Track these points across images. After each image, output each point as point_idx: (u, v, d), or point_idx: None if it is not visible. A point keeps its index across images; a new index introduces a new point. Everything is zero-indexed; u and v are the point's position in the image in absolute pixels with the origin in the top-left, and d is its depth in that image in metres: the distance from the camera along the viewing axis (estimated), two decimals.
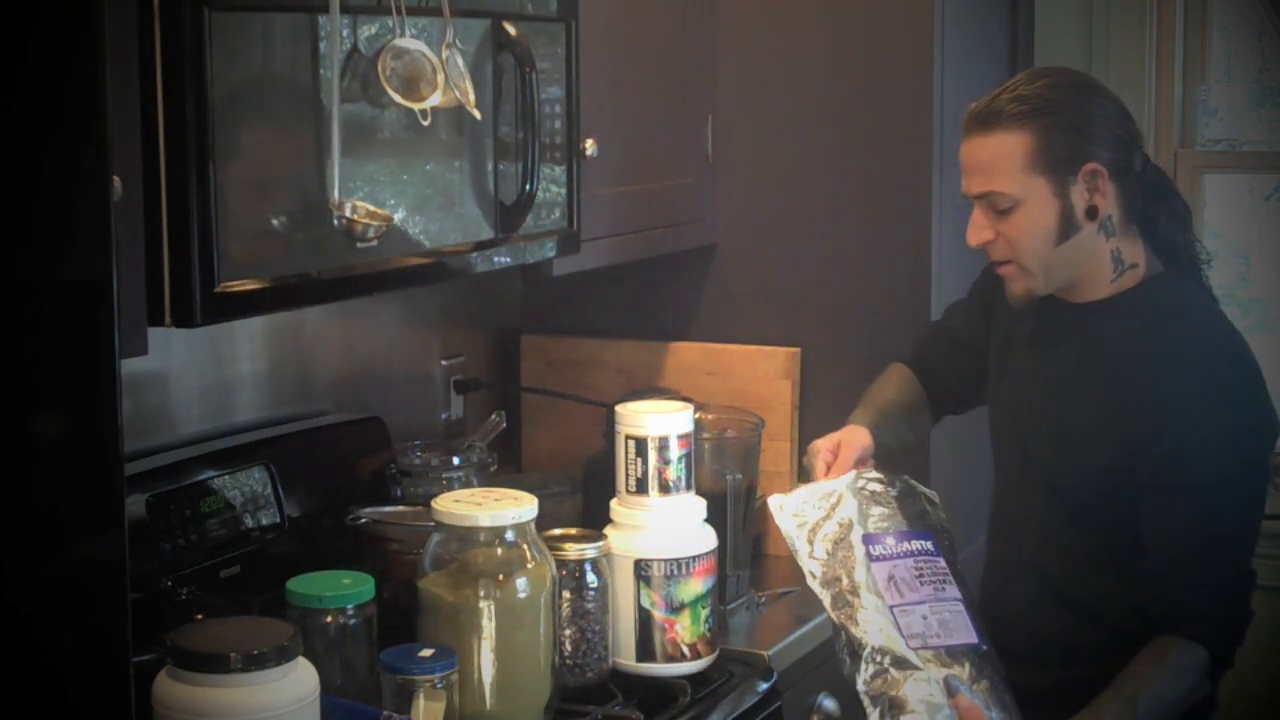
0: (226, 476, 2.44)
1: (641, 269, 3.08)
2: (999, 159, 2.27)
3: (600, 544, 2.41)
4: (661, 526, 2.45)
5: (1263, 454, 2.30)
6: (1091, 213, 2.28)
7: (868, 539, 2.32)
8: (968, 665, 2.25)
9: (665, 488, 2.46)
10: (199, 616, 2.19)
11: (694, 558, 2.45)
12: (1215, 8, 3.68)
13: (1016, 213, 2.28)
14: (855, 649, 2.24)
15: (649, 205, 2.94)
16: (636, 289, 3.21)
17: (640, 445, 2.46)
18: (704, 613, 2.46)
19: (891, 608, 2.27)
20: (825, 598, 2.29)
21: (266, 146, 2.03)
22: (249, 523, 2.45)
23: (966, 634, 2.28)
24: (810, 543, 2.33)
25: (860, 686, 2.22)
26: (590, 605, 2.39)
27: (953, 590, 2.32)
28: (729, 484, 2.74)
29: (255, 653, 1.87)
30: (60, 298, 1.37)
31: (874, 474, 2.42)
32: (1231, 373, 2.30)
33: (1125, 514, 2.29)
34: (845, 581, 2.29)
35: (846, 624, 2.26)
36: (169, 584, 2.27)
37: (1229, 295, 3.71)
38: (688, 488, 2.48)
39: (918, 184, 3.03)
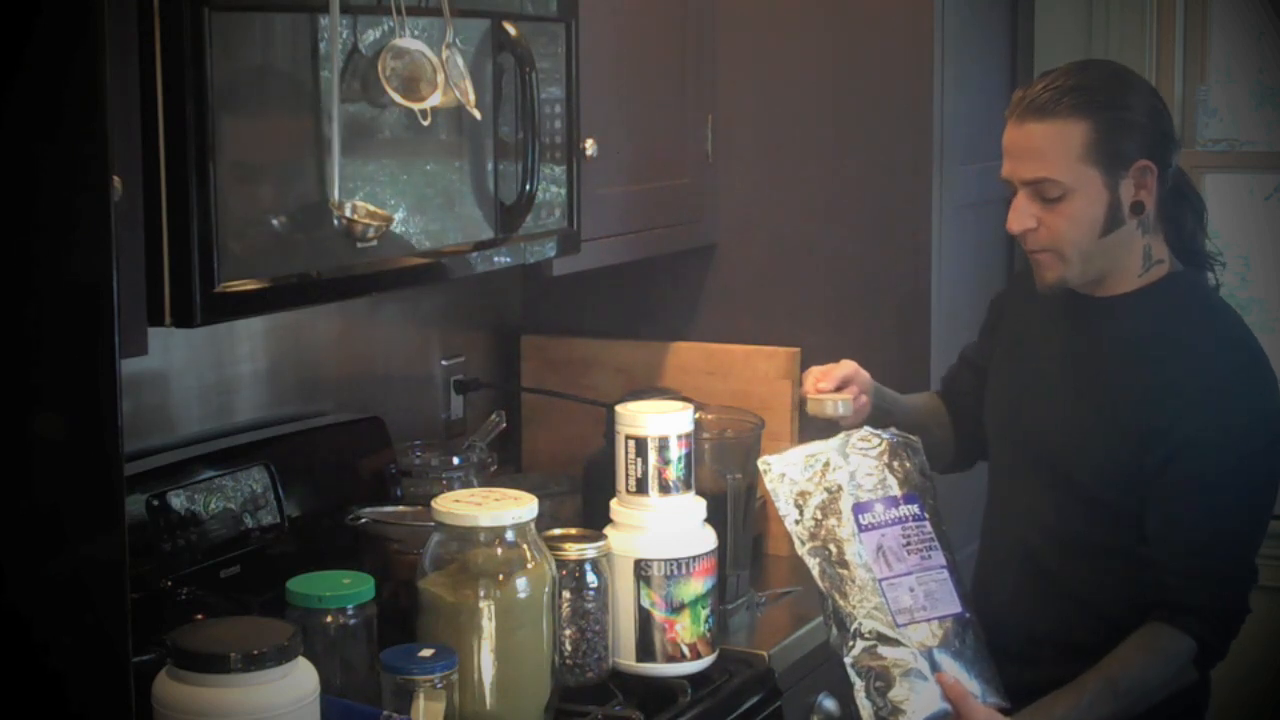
0: (226, 476, 2.44)
1: (641, 269, 3.08)
2: (1054, 146, 2.27)
3: (600, 544, 2.41)
4: (661, 526, 2.45)
5: (1274, 447, 2.30)
6: (1137, 208, 2.30)
7: (857, 508, 2.35)
8: (953, 638, 2.30)
9: (665, 488, 2.46)
10: (199, 616, 2.19)
11: (694, 558, 2.44)
12: (1215, 8, 3.68)
13: (1065, 202, 2.28)
14: (843, 621, 2.28)
15: (649, 205, 2.94)
16: (636, 289, 3.21)
17: (640, 445, 2.46)
18: (704, 613, 2.46)
19: (880, 581, 2.30)
20: (813, 566, 2.31)
21: (266, 146, 2.03)
22: (249, 523, 2.45)
23: (951, 603, 2.33)
24: (799, 508, 2.35)
25: (847, 659, 2.27)
26: (590, 605, 2.39)
27: (938, 556, 2.36)
28: (729, 484, 2.74)
29: (255, 653, 1.87)
30: (60, 298, 1.37)
31: (860, 433, 2.42)
32: (1246, 365, 2.32)
33: (1134, 505, 2.30)
34: (834, 552, 2.32)
35: (835, 595, 2.29)
36: (169, 584, 2.27)
37: (1229, 295, 3.70)
38: (688, 488, 2.48)
39: (918, 184, 3.03)
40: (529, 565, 2.25)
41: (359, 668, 2.19)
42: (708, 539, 2.49)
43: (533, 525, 2.28)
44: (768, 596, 2.86)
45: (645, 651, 2.44)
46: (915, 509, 2.38)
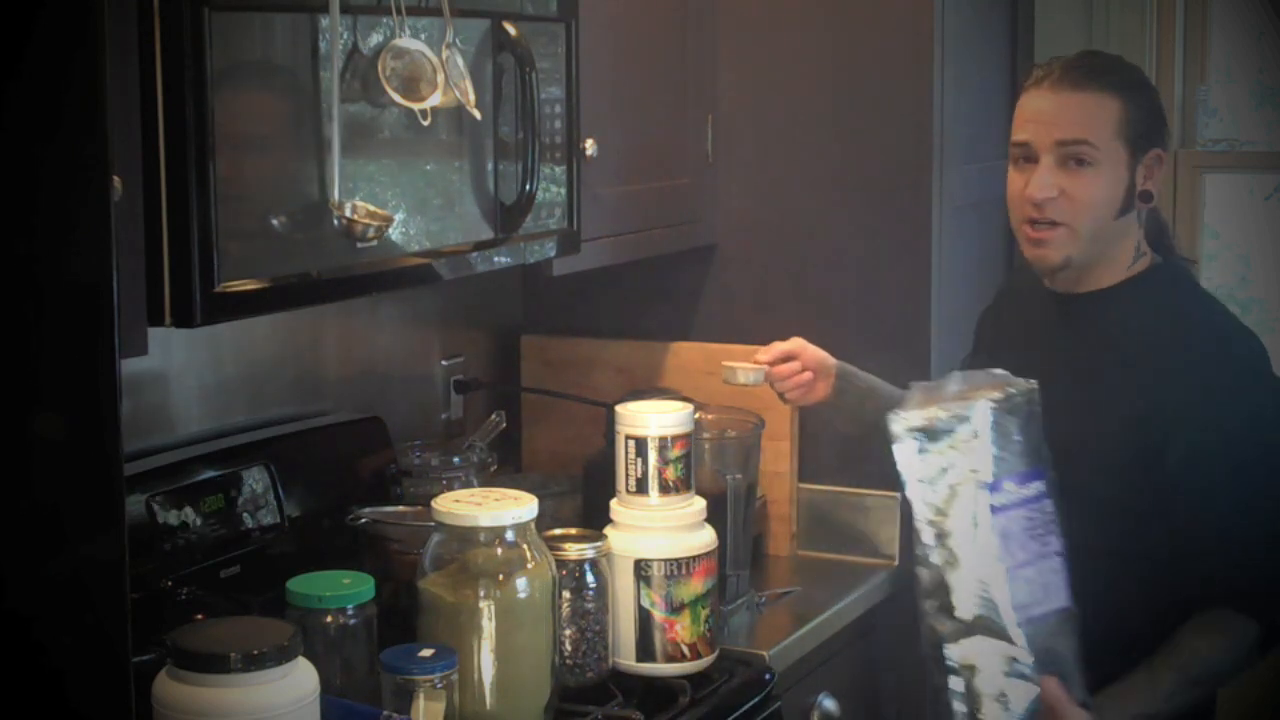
0: (226, 476, 2.44)
1: (641, 269, 3.08)
2: (1093, 116, 2.30)
3: (600, 544, 2.41)
4: (661, 526, 2.45)
5: None
6: (1145, 196, 2.33)
7: (992, 486, 2.20)
8: (1059, 634, 2.21)
9: (665, 488, 2.46)
10: (199, 616, 2.19)
11: (694, 558, 2.44)
12: (1215, 8, 3.68)
13: (1091, 172, 2.31)
14: (951, 609, 2.18)
15: (649, 205, 2.94)
16: (636, 289, 3.21)
17: (640, 445, 2.46)
18: (704, 613, 2.45)
19: (1005, 571, 2.19)
20: (930, 541, 2.19)
21: (266, 147, 2.03)
22: (249, 523, 2.45)
23: (1061, 595, 2.23)
24: (929, 476, 2.20)
25: (950, 651, 2.17)
26: (590, 605, 2.39)
27: (1055, 542, 2.24)
28: (729, 484, 2.74)
29: (255, 653, 1.87)
30: (60, 298, 1.37)
31: (1001, 396, 2.26)
32: (1251, 346, 2.34)
33: (1150, 506, 2.28)
34: (956, 535, 2.19)
35: (949, 579, 2.18)
36: (169, 584, 2.27)
37: (1229, 295, 3.71)
38: (688, 488, 2.48)
39: (918, 183, 3.03)
40: (529, 565, 2.25)
41: (359, 668, 2.19)
42: (708, 539, 2.49)
43: (533, 525, 2.28)
44: (768, 596, 2.86)
45: (645, 651, 2.44)
46: (1042, 485, 2.24)
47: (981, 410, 2.22)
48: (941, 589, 2.20)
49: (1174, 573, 2.30)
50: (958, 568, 2.19)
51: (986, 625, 2.18)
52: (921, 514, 2.22)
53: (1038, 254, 2.36)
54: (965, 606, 2.18)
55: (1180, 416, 2.25)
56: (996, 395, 2.24)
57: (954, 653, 2.18)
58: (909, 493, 2.23)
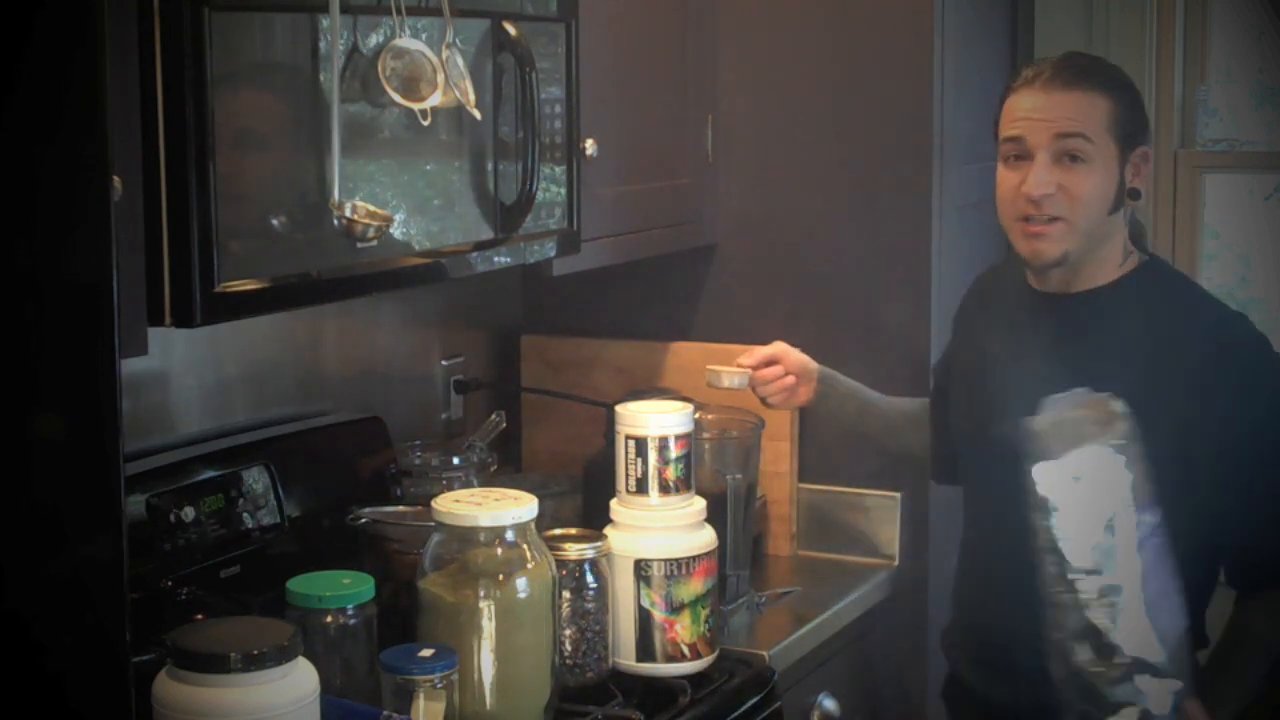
0: (226, 476, 2.44)
1: (641, 269, 3.08)
2: (1086, 113, 2.31)
3: (600, 544, 2.41)
4: (661, 526, 2.45)
5: None
6: (1134, 194, 2.35)
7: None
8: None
9: (665, 488, 2.46)
10: (199, 616, 2.19)
11: (694, 558, 2.44)
12: (1215, 8, 3.68)
13: (1085, 168, 2.31)
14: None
15: (649, 205, 2.94)
16: (636, 289, 3.21)
17: (640, 445, 2.46)
18: (704, 613, 2.45)
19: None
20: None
21: (266, 147, 2.03)
22: (249, 523, 2.45)
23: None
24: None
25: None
26: (590, 605, 2.39)
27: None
28: (729, 484, 2.74)
29: (255, 653, 1.87)
30: (60, 298, 1.37)
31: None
32: (1249, 335, 2.34)
33: (1173, 500, 2.26)
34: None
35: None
36: (169, 584, 2.27)
37: (1229, 295, 3.71)
38: (688, 488, 2.48)
39: (918, 183, 3.03)
40: (529, 565, 2.25)
41: (359, 668, 2.20)
42: (708, 539, 2.49)
43: (533, 525, 2.28)
44: (768, 596, 2.86)
45: (645, 651, 2.44)
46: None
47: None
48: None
49: (1198, 567, 2.30)
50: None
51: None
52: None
53: (1035, 248, 2.35)
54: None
55: (1189, 415, 2.25)
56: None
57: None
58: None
